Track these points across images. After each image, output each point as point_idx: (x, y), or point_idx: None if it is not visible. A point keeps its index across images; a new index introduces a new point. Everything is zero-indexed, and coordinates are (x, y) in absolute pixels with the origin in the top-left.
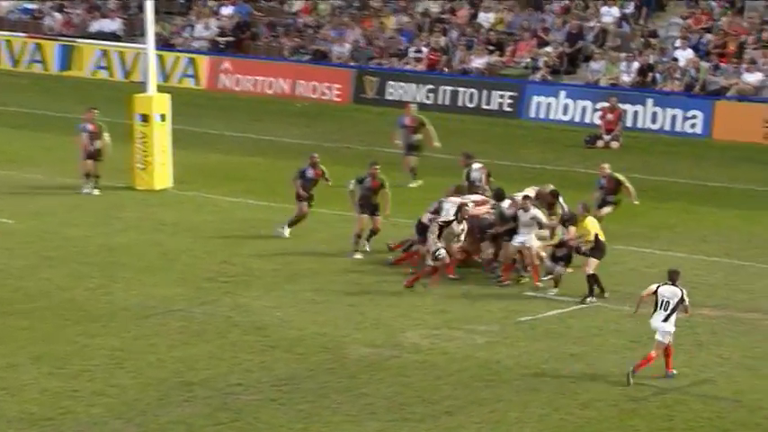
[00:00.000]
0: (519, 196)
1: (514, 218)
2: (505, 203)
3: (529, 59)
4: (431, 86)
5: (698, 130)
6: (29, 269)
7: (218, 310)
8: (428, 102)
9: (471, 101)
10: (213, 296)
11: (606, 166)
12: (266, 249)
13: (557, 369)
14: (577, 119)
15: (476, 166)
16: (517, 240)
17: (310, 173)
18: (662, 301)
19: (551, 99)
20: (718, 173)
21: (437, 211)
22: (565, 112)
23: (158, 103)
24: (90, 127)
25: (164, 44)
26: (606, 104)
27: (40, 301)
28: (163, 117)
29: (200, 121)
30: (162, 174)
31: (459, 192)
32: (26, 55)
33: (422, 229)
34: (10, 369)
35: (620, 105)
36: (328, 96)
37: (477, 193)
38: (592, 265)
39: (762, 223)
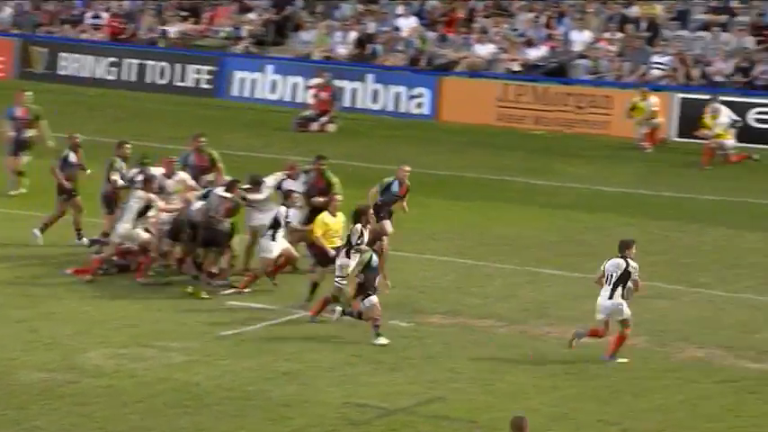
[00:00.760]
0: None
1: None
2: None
3: (229, 28)
4: (113, 59)
5: (424, 110)
6: None
7: None
8: (110, 78)
9: (162, 77)
10: None
11: (407, 168)
12: None
13: (266, 391)
14: (287, 98)
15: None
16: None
17: None
18: (607, 276)
19: (256, 75)
20: (448, 159)
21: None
22: (273, 89)
23: None
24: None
25: None
26: (319, 81)
27: None
28: None
29: None
30: None
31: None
32: None
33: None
34: None
35: (336, 82)
36: None
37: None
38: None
39: (496, 217)
